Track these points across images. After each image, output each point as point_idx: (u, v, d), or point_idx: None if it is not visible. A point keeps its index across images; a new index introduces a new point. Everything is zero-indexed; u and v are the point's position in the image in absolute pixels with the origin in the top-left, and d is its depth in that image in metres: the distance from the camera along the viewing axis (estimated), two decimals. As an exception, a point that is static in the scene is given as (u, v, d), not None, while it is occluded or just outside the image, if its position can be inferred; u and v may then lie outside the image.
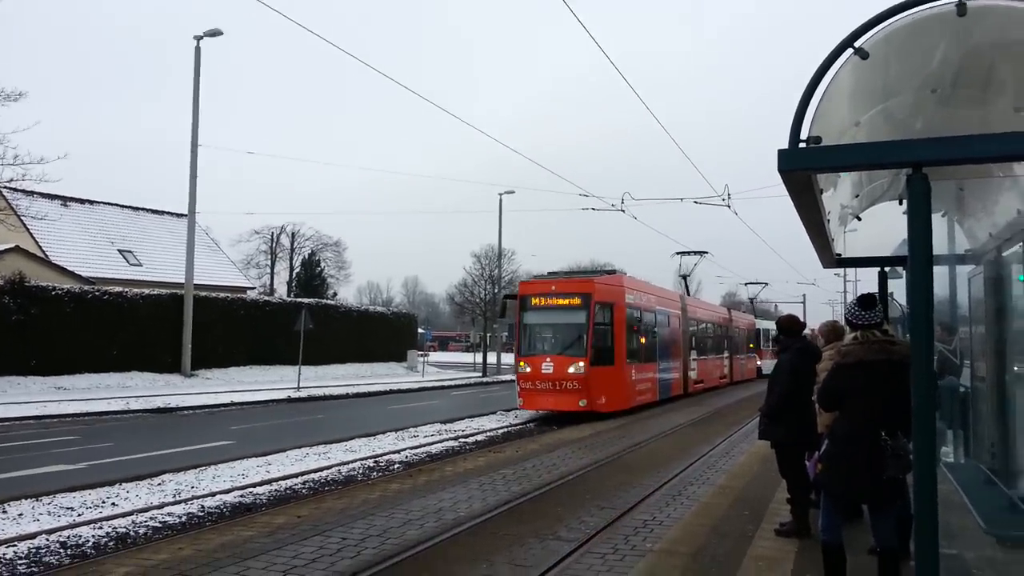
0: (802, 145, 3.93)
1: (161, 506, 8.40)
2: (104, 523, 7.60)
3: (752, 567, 5.99)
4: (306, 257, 60.22)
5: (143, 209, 40.51)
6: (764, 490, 9.10)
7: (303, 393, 24.35)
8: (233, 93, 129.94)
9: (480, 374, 41.89)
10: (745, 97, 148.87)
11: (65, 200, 35.55)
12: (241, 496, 9.06)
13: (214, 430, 15.66)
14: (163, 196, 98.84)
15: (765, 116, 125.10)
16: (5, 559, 6.40)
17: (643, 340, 21.12)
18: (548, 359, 18.25)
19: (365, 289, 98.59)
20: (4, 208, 26.97)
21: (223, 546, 6.52)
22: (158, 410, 19.06)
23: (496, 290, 46.39)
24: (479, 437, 15.16)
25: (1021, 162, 4.29)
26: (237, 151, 51.23)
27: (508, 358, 43.60)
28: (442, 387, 31.88)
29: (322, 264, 60.76)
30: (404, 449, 13.05)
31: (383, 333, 41.12)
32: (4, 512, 7.99)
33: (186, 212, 29.09)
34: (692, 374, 26.59)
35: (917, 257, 3.31)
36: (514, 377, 19.75)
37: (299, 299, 39.69)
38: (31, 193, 29.65)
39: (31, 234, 30.51)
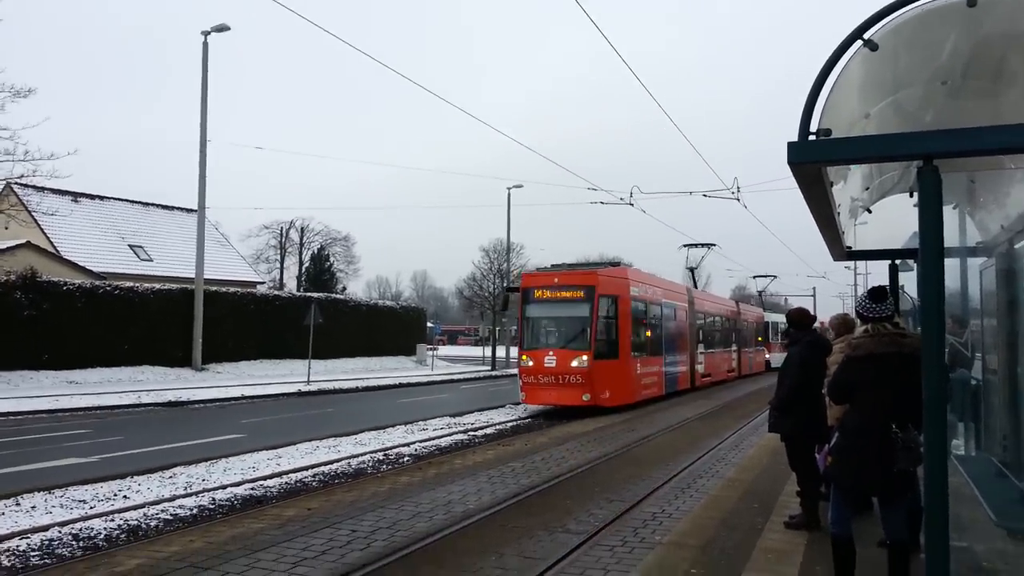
0: (812, 138, 3.91)
1: (172, 499, 8.46)
2: (116, 515, 7.66)
3: (762, 559, 6.00)
4: (315, 252, 60.47)
5: (153, 204, 40.73)
6: (773, 483, 9.10)
7: (313, 387, 24.46)
8: (240, 89, 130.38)
9: (489, 368, 41.92)
10: (753, 91, 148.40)
11: (76, 196, 35.79)
12: (252, 489, 9.12)
13: (225, 423, 15.76)
14: (170, 193, 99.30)
15: (775, 109, 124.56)
16: (19, 551, 6.47)
17: (648, 333, 20.84)
18: (551, 352, 18.02)
19: (374, 283, 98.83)
20: (15, 204, 27.09)
21: (234, 538, 6.57)
22: (169, 404, 19.17)
23: (505, 284, 46.45)
24: (488, 430, 15.19)
25: (1033, 153, 4.25)
26: (245, 147, 51.61)
27: (517, 352, 43.52)
28: (451, 381, 31.94)
29: (331, 259, 61.01)
30: (413, 442, 13.10)
31: (392, 327, 41.21)
32: (18, 504, 8.08)
33: (196, 207, 29.22)
34: (699, 368, 26.33)
35: (928, 250, 3.30)
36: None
37: (309, 293, 39.90)
38: (42, 189, 29.79)
39: (42, 230, 30.72)
